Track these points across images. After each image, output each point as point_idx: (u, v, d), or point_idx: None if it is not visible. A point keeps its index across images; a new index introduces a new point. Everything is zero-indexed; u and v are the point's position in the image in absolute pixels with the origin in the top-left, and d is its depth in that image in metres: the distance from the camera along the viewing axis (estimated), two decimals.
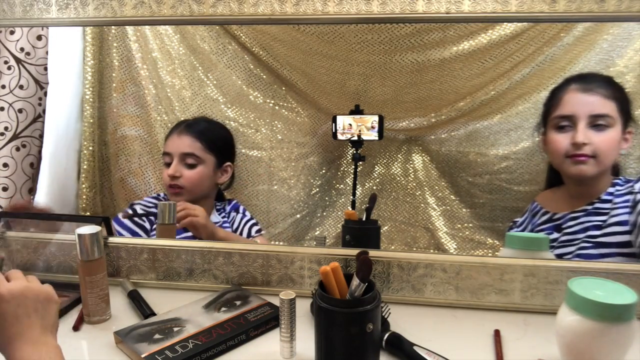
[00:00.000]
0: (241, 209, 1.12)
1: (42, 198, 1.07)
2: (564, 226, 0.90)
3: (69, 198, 1.11)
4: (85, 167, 1.11)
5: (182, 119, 1.12)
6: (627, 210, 0.85)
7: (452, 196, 1.10)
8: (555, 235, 0.90)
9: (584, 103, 0.85)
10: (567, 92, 0.87)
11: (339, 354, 0.59)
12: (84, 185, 1.11)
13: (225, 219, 1.10)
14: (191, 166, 1.04)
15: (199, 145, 1.05)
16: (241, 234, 1.08)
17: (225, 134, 1.12)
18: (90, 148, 1.12)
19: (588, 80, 0.87)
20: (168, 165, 1.06)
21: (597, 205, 0.87)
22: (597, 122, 0.84)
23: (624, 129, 0.86)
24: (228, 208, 1.12)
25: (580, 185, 0.90)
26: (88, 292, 0.75)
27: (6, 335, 0.50)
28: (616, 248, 0.84)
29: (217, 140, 1.09)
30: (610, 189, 0.88)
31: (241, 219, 1.10)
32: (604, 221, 0.86)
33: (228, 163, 1.10)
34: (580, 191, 0.90)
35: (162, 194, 1.13)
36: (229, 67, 1.11)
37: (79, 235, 0.73)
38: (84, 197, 1.12)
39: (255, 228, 1.09)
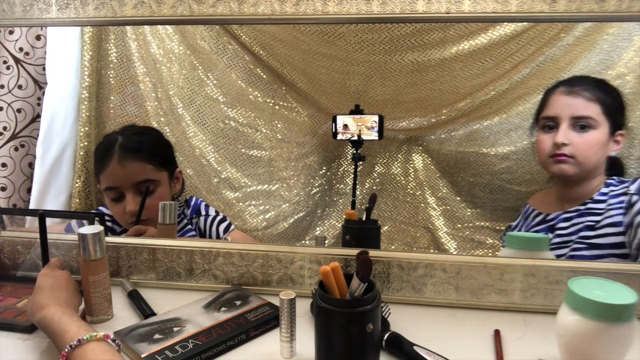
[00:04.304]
0: (203, 208, 1.05)
1: (37, 197, 1.07)
2: (556, 227, 0.90)
3: (64, 198, 1.10)
4: (79, 166, 1.11)
5: (106, 136, 1.01)
6: (621, 211, 0.85)
7: (452, 196, 1.10)
8: (550, 236, 0.91)
9: (567, 105, 0.88)
10: (554, 94, 0.91)
11: (339, 354, 0.59)
12: (77, 184, 1.11)
13: (190, 226, 1.04)
14: (149, 193, 0.95)
15: (151, 167, 0.95)
16: (210, 237, 1.03)
17: (159, 136, 1.05)
18: (86, 148, 1.11)
19: (574, 84, 0.89)
20: (116, 199, 0.96)
21: (590, 205, 0.88)
22: (579, 124, 0.86)
23: (613, 132, 0.87)
24: (189, 212, 1.04)
25: (566, 185, 0.91)
26: (91, 292, 0.75)
27: (39, 300, 0.66)
28: (610, 249, 0.84)
29: (161, 150, 1.01)
30: (604, 189, 0.88)
31: (205, 221, 1.03)
32: (597, 222, 0.86)
33: (178, 169, 1.04)
34: (569, 192, 0.91)
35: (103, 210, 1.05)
36: (229, 66, 1.11)
37: (82, 235, 0.73)
38: (77, 197, 1.11)
39: (223, 225, 1.02)
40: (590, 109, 0.86)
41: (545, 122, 0.91)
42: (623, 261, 0.82)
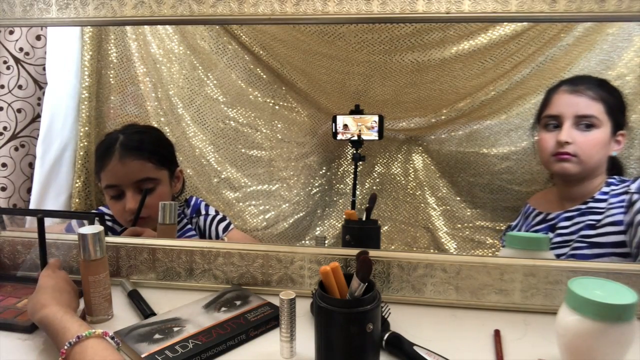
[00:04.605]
0: (203, 208, 1.05)
1: (37, 197, 1.07)
2: (557, 226, 0.90)
3: (64, 198, 1.10)
4: (79, 166, 1.11)
5: (107, 134, 1.02)
6: (622, 210, 0.85)
7: (452, 196, 1.10)
8: (550, 235, 0.91)
9: (570, 104, 0.88)
10: (557, 93, 0.90)
11: (339, 354, 0.59)
12: (77, 184, 1.11)
13: (190, 226, 1.04)
14: (149, 191, 0.95)
15: (151, 166, 0.95)
16: (210, 236, 1.03)
17: (160, 135, 1.05)
18: (86, 148, 1.11)
19: (578, 82, 0.89)
20: (116, 197, 0.96)
21: (591, 204, 0.88)
22: (582, 122, 0.86)
23: (614, 131, 0.87)
24: (189, 212, 1.04)
25: (568, 184, 0.91)
26: (91, 292, 0.75)
27: (41, 300, 0.66)
28: (611, 248, 0.84)
29: (162, 149, 1.01)
30: (605, 189, 0.88)
31: (205, 220, 1.03)
32: (598, 221, 0.86)
33: (179, 168, 1.04)
34: (570, 191, 0.91)
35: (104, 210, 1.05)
36: (229, 66, 1.11)
37: (82, 235, 0.73)
38: (77, 197, 1.11)
39: (222, 225, 1.03)
40: (594, 107, 0.86)
41: (547, 120, 0.90)
42: (623, 261, 0.83)
